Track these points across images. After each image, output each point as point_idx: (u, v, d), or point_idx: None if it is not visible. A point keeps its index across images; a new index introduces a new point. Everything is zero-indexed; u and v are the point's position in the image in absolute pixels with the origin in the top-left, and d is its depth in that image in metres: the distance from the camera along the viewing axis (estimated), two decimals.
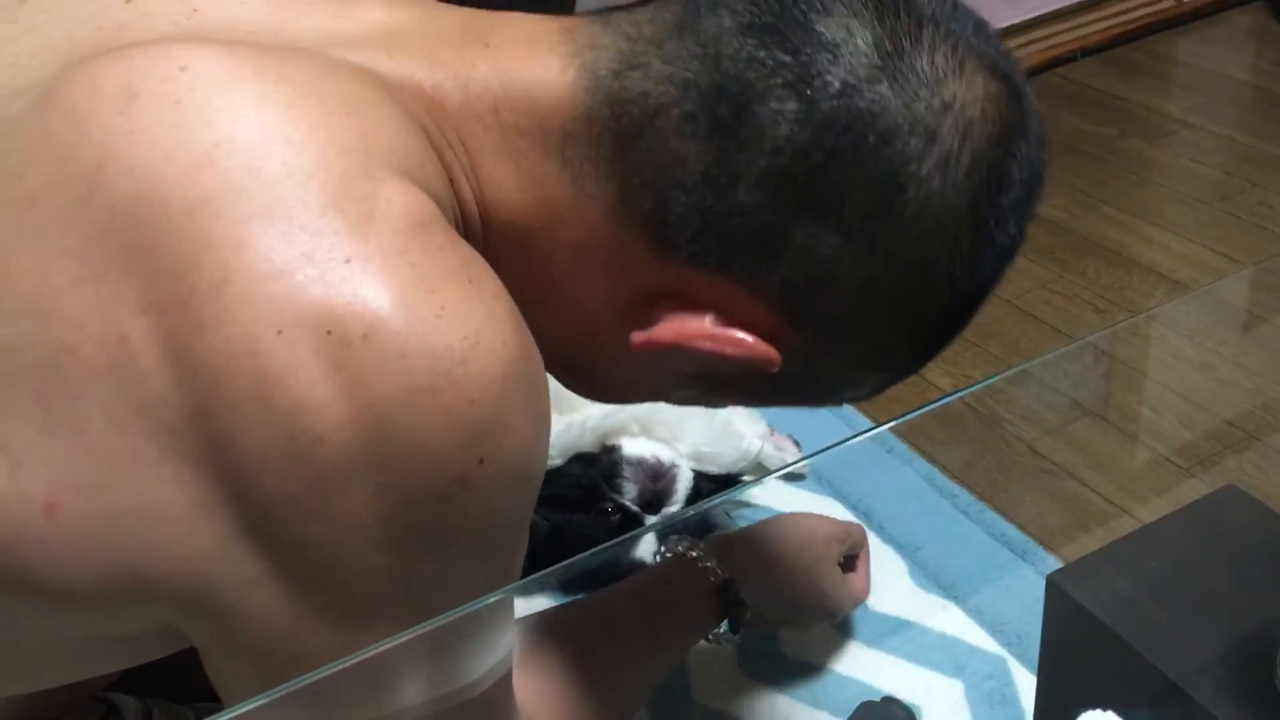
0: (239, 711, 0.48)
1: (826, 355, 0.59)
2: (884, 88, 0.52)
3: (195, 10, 0.54)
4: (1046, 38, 2.17)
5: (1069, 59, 2.15)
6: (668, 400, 0.67)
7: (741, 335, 0.56)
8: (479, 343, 0.47)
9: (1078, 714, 0.54)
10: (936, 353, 0.61)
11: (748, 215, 0.53)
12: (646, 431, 1.11)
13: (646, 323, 0.57)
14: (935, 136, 0.53)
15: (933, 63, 0.53)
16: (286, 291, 0.45)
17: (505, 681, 0.58)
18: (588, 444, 1.10)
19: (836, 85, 0.52)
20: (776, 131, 0.52)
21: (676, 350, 0.57)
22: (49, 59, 0.52)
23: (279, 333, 0.45)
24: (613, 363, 0.61)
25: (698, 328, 0.56)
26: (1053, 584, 0.62)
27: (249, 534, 0.46)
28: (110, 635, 0.52)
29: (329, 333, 0.45)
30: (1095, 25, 2.22)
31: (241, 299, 0.45)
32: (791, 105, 0.52)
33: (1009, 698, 0.96)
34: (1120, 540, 0.66)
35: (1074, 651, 0.63)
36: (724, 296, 0.56)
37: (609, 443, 1.10)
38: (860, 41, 0.52)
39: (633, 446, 1.09)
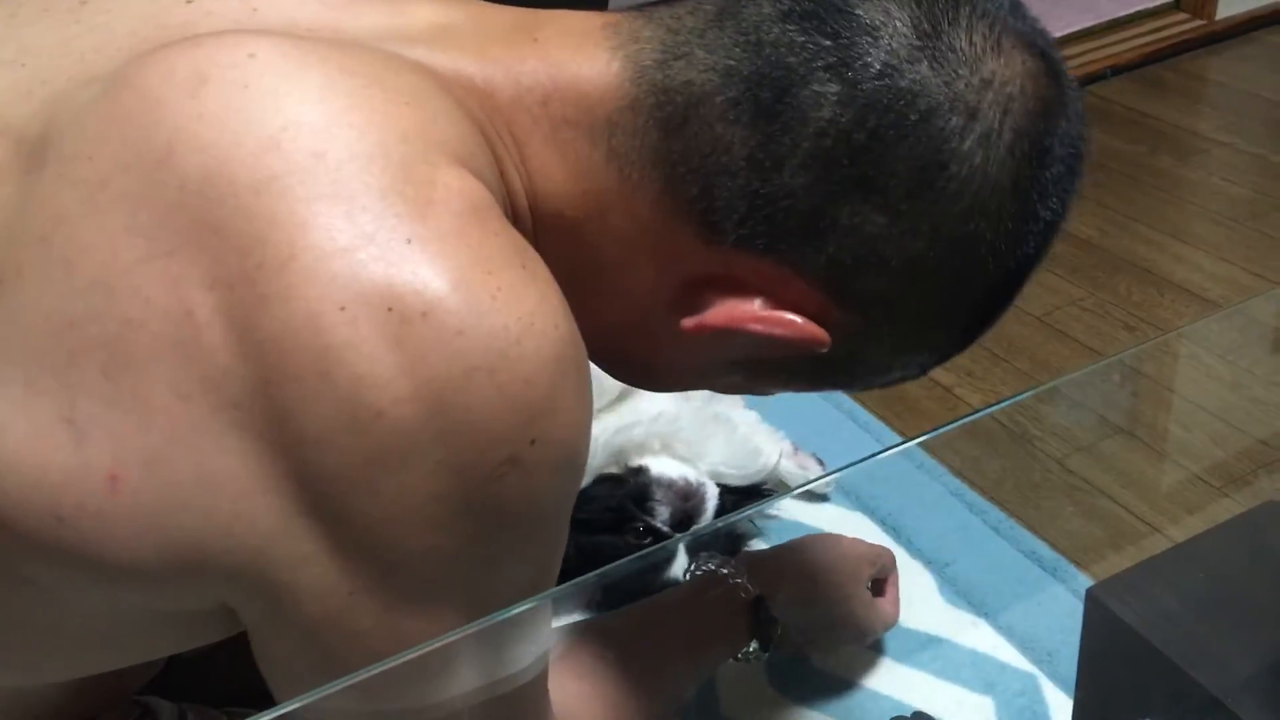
0: (289, 708, 0.49)
1: (874, 335, 0.59)
2: (924, 67, 0.53)
3: (255, 10, 0.56)
4: (1077, 56, 2.17)
5: (1100, 77, 2.14)
6: (713, 388, 0.68)
7: (791, 316, 0.57)
8: (533, 324, 0.48)
9: None
10: (981, 332, 0.62)
11: (793, 198, 0.54)
12: (668, 449, 1.11)
13: (696, 308, 0.58)
14: (976, 113, 0.53)
15: (970, 41, 0.54)
16: (349, 269, 0.46)
17: (543, 677, 0.58)
18: (600, 462, 1.10)
19: (877, 66, 0.53)
20: (819, 114, 0.53)
21: (727, 334, 0.57)
22: (114, 55, 0.53)
23: (342, 309, 0.45)
24: (661, 350, 0.61)
25: (748, 310, 0.57)
26: (1093, 597, 0.62)
27: (307, 509, 0.47)
28: (165, 613, 0.53)
29: (390, 310, 0.46)
30: (1126, 44, 2.22)
31: (306, 275, 0.46)
32: (833, 88, 0.53)
33: (1040, 715, 0.96)
34: (1161, 555, 0.66)
35: (1113, 666, 0.63)
36: (772, 279, 0.57)
37: (633, 463, 1.10)
38: (899, 23, 0.53)
39: (660, 467, 1.09)
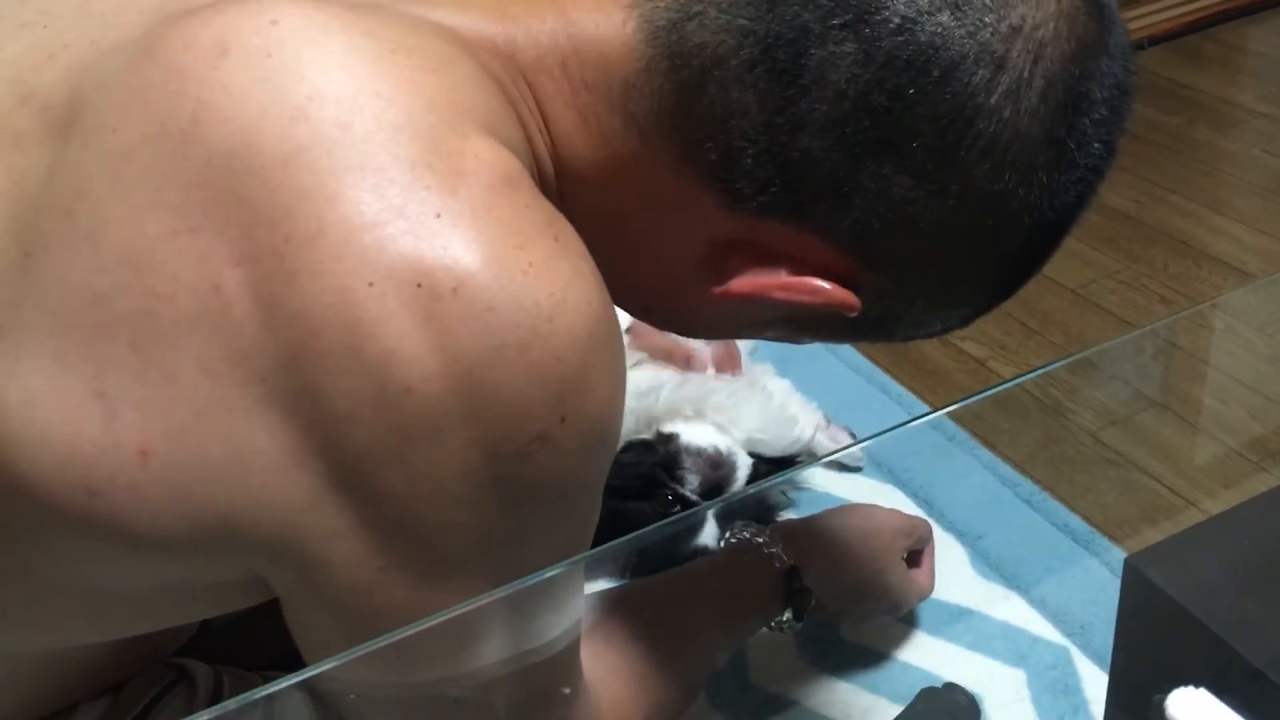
0: (320, 669, 0.49)
1: (907, 295, 0.58)
2: (945, 17, 0.51)
3: None
4: None
5: (1137, 47, 2.09)
6: (755, 338, 0.67)
7: (818, 283, 0.56)
8: (565, 300, 0.47)
9: (1153, 698, 0.53)
10: (1024, 281, 0.60)
11: (814, 162, 0.53)
12: (700, 415, 1.10)
13: (722, 274, 0.57)
14: (1003, 64, 0.51)
15: None
16: (378, 243, 0.45)
17: (576, 646, 0.58)
18: (631, 428, 1.09)
19: (895, 21, 0.51)
20: (836, 75, 0.51)
21: (754, 299, 0.57)
22: (136, 17, 0.52)
23: (370, 284, 0.45)
24: (696, 309, 0.61)
25: (773, 279, 0.56)
26: (1131, 566, 0.61)
27: (336, 485, 0.47)
28: (197, 583, 0.53)
29: (419, 285, 0.45)
30: (1164, 13, 2.18)
31: (335, 250, 0.45)
32: (850, 46, 0.51)
33: (1072, 688, 0.95)
34: (1201, 524, 0.65)
35: (1151, 635, 0.62)
36: (797, 244, 0.56)
37: (664, 429, 1.09)
38: None
39: (690, 434, 1.08)
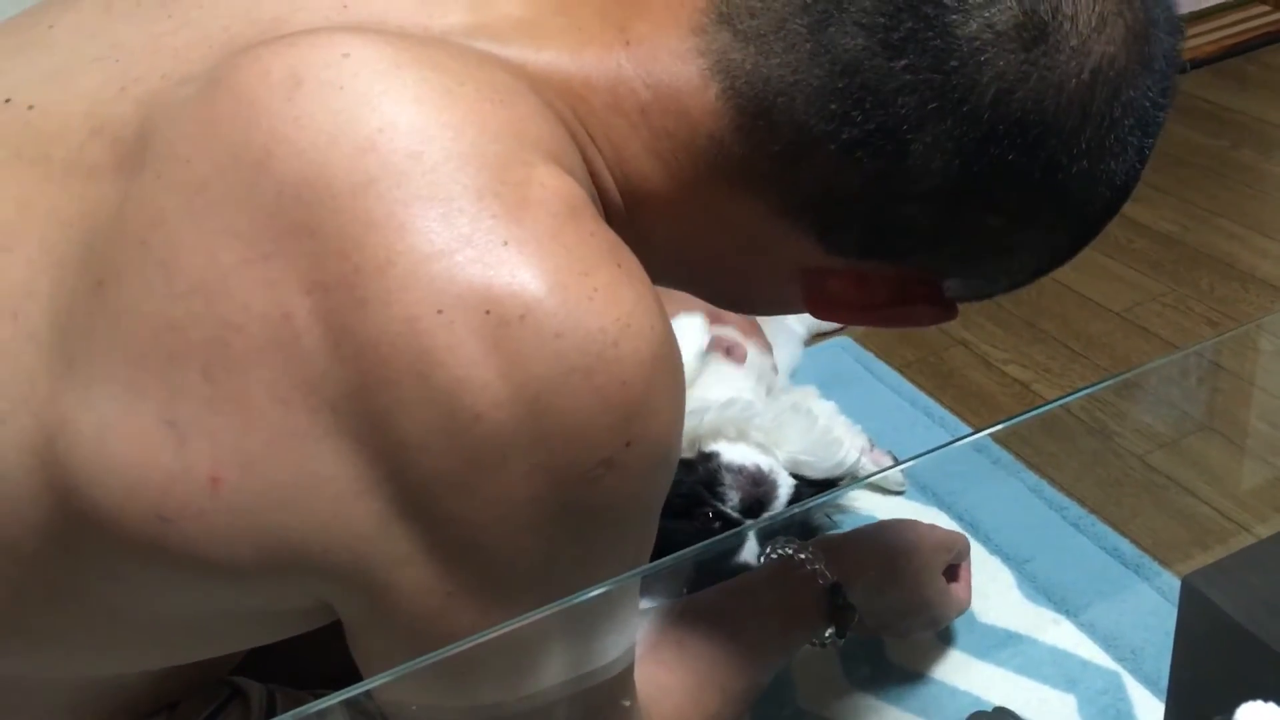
0: (374, 684, 0.49)
1: (990, 287, 0.63)
2: (1034, 80, 0.52)
3: (345, 6, 0.55)
4: None
5: (1180, 70, 2.10)
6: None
7: (915, 309, 0.60)
8: (630, 325, 0.48)
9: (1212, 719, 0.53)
10: (1091, 238, 0.63)
11: (913, 221, 0.55)
12: (743, 436, 1.10)
13: (817, 291, 0.61)
14: (1088, 108, 0.53)
15: (1076, 29, 0.52)
16: (447, 272, 0.46)
17: (631, 667, 0.58)
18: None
19: (990, 95, 0.52)
20: (938, 153, 0.53)
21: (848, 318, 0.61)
22: (207, 51, 0.53)
23: (439, 312, 0.45)
24: (784, 306, 0.64)
25: (870, 308, 0.61)
26: (1189, 586, 0.60)
27: (405, 512, 0.47)
28: (261, 610, 0.53)
29: (488, 313, 0.46)
30: (1207, 36, 2.18)
31: (404, 279, 0.46)
32: (949, 124, 0.52)
33: (1124, 713, 0.94)
34: (1259, 543, 0.64)
35: (1210, 656, 0.62)
36: (895, 271, 0.59)
37: (705, 448, 1.09)
38: (1006, 39, 0.52)
39: (731, 453, 1.08)
